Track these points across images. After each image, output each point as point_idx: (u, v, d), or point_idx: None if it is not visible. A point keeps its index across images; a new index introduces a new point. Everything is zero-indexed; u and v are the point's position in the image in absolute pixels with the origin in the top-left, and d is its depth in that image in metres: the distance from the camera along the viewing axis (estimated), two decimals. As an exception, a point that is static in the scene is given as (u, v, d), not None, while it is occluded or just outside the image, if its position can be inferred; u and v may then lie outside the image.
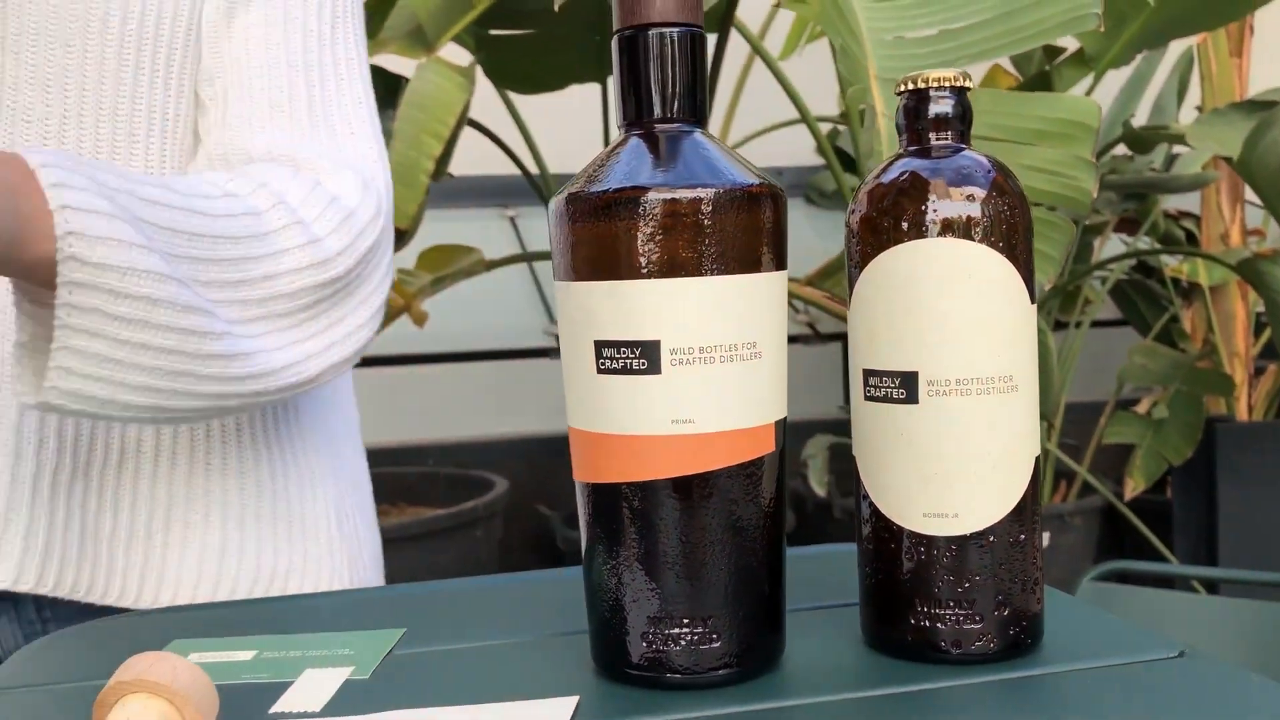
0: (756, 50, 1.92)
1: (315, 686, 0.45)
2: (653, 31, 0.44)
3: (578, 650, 0.48)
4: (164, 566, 0.66)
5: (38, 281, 0.53)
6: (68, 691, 0.47)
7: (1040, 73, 1.99)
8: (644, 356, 0.42)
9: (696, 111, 0.45)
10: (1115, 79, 2.08)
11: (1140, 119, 2.29)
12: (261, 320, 0.59)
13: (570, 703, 0.42)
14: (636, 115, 0.44)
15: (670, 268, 0.42)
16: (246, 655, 0.49)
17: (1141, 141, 2.03)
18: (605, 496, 0.44)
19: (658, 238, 0.42)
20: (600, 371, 0.43)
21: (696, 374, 0.42)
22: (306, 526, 0.71)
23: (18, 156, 0.51)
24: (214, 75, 0.67)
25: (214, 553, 0.67)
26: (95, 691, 0.44)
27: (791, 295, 2.27)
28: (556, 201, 0.45)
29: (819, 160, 2.75)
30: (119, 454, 0.66)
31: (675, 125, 0.44)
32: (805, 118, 1.96)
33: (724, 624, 0.43)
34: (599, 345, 0.43)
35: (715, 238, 0.42)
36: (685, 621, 0.43)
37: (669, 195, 0.42)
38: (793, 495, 2.37)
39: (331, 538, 0.72)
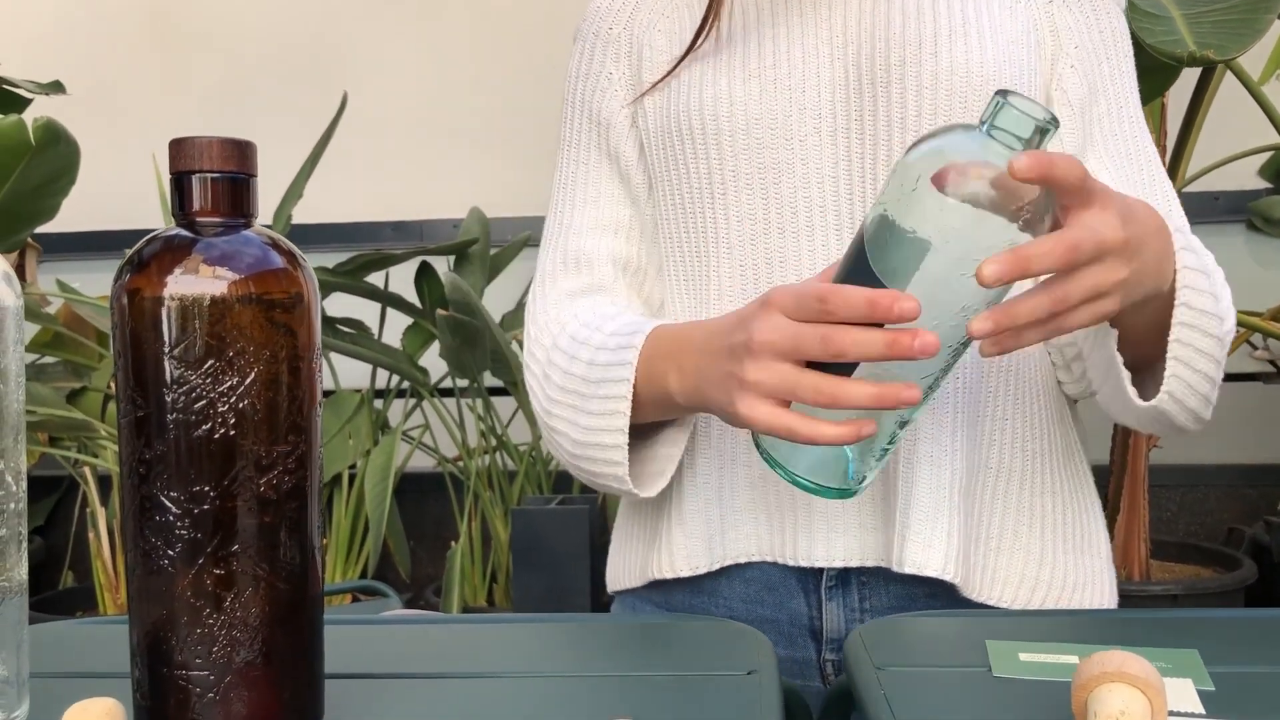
0: (1236, 74, 1.87)
1: (1180, 691, 0.53)
2: None
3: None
4: (997, 566, 0.79)
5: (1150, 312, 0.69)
6: (940, 673, 0.57)
7: None
8: None
9: None
10: None
11: None
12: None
13: None
14: None
15: None
16: (1073, 659, 0.58)
17: None
18: None
19: None
20: None
21: None
22: (1090, 543, 0.83)
23: (1161, 218, 0.67)
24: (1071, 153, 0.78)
25: (1034, 560, 0.80)
26: (950, 674, 0.54)
27: (1254, 329, 2.17)
28: None
29: (1261, 184, 2.60)
30: (980, 470, 0.79)
31: None
32: (1290, 144, 1.88)
33: None
34: None
35: None
36: None
37: None
38: (1252, 544, 2.25)
39: (1104, 555, 0.84)
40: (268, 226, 0.53)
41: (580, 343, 0.80)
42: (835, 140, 0.78)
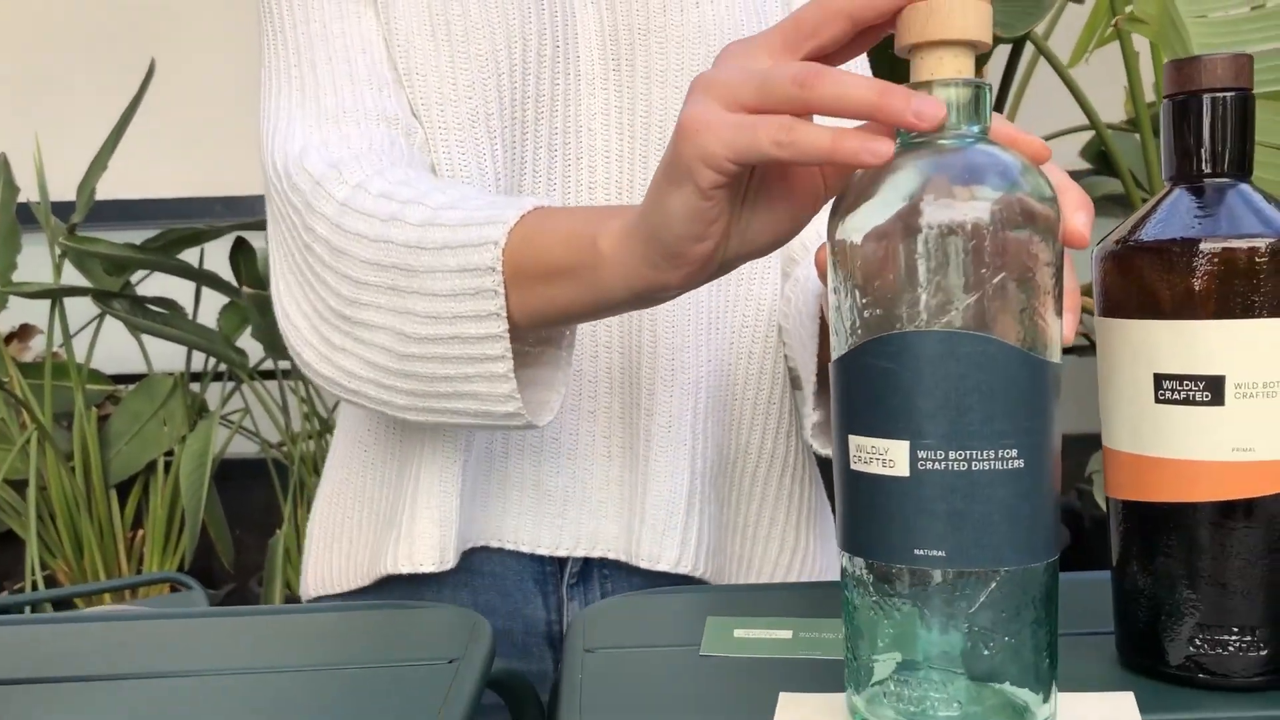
0: (1046, 56, 1.92)
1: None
2: (1206, 97, 0.48)
3: (1095, 648, 0.53)
4: (752, 555, 0.77)
5: None
6: (646, 653, 0.55)
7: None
8: (1208, 389, 0.47)
9: (1243, 165, 0.49)
10: None
11: None
12: None
13: (1128, 698, 0.47)
14: (1186, 171, 0.49)
15: (1233, 309, 0.46)
16: (786, 634, 0.57)
17: None
18: (1152, 513, 0.49)
19: (1219, 282, 0.46)
20: (1159, 401, 0.48)
21: (1259, 406, 0.46)
22: (829, 527, 0.81)
23: None
24: None
25: (789, 548, 0.77)
26: (660, 654, 0.52)
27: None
28: (1107, 245, 0.50)
29: (1084, 165, 2.70)
30: (740, 456, 0.76)
31: (1224, 179, 0.49)
32: (1095, 124, 1.94)
33: (1270, 634, 0.47)
34: (1159, 378, 0.48)
35: (1275, 280, 0.46)
36: (1234, 630, 0.47)
37: (1230, 244, 0.46)
38: (1067, 512, 2.33)
39: (834, 538, 0.81)
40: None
41: (406, 201, 0.60)
42: (604, 85, 0.72)
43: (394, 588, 0.73)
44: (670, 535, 0.71)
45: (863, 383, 0.43)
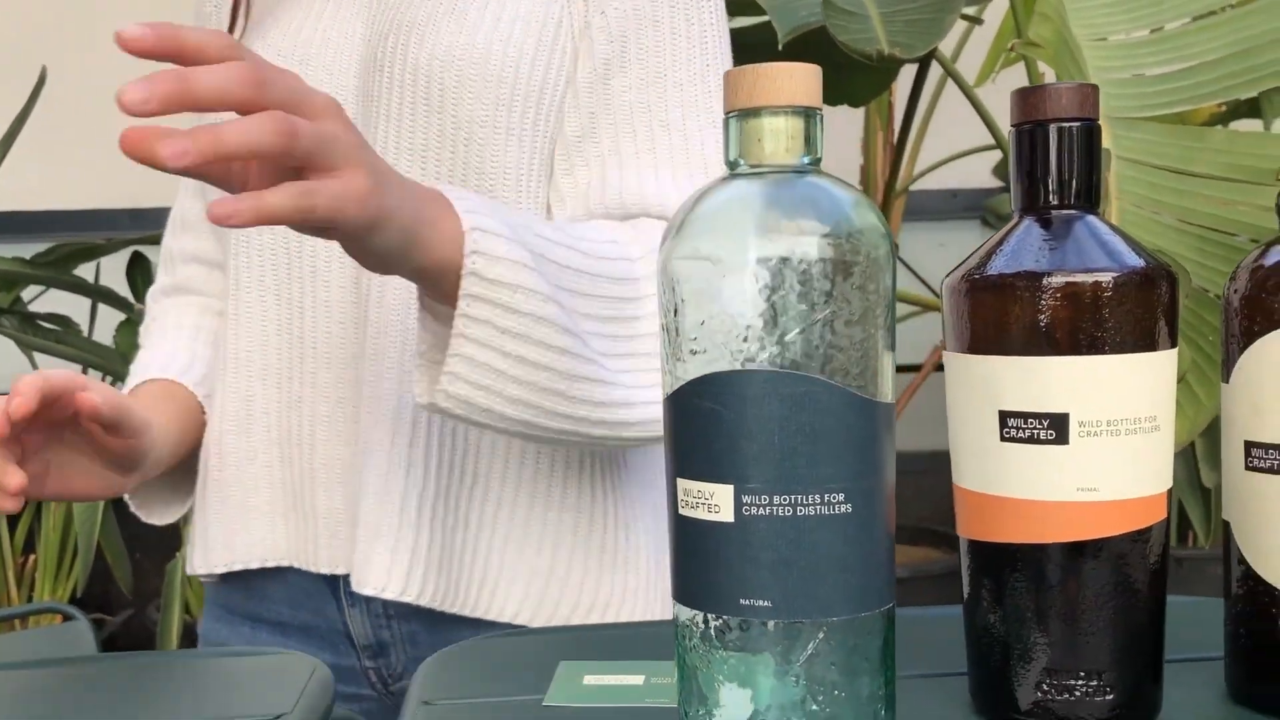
0: (952, 76, 1.93)
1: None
2: (1052, 127, 0.47)
3: (950, 691, 0.51)
4: (498, 583, 0.73)
5: (428, 285, 0.60)
6: (487, 705, 0.52)
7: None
8: (1052, 428, 0.45)
9: (1091, 197, 0.48)
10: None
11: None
12: (628, 358, 0.66)
13: (974, 744, 0.46)
14: (1033, 202, 0.48)
15: (1077, 346, 0.45)
16: (637, 680, 0.54)
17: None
18: (999, 554, 0.47)
19: (1065, 318, 0.45)
20: (1004, 440, 0.46)
21: (1104, 445, 0.45)
22: (628, 560, 0.76)
23: (437, 188, 0.60)
24: (586, 135, 0.72)
25: (541, 576, 0.74)
26: (503, 705, 0.50)
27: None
28: (954, 278, 0.49)
29: (996, 183, 2.73)
30: (473, 479, 0.73)
31: (1071, 211, 0.48)
32: (1001, 145, 1.96)
33: (1116, 678, 0.46)
34: (1004, 415, 0.46)
35: (1119, 317, 0.45)
36: (1081, 675, 0.46)
37: (1074, 279, 0.45)
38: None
39: (649, 571, 0.77)
40: None
41: (141, 339, 0.87)
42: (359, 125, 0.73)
43: (228, 587, 0.81)
44: (376, 562, 0.71)
45: (689, 423, 0.41)
